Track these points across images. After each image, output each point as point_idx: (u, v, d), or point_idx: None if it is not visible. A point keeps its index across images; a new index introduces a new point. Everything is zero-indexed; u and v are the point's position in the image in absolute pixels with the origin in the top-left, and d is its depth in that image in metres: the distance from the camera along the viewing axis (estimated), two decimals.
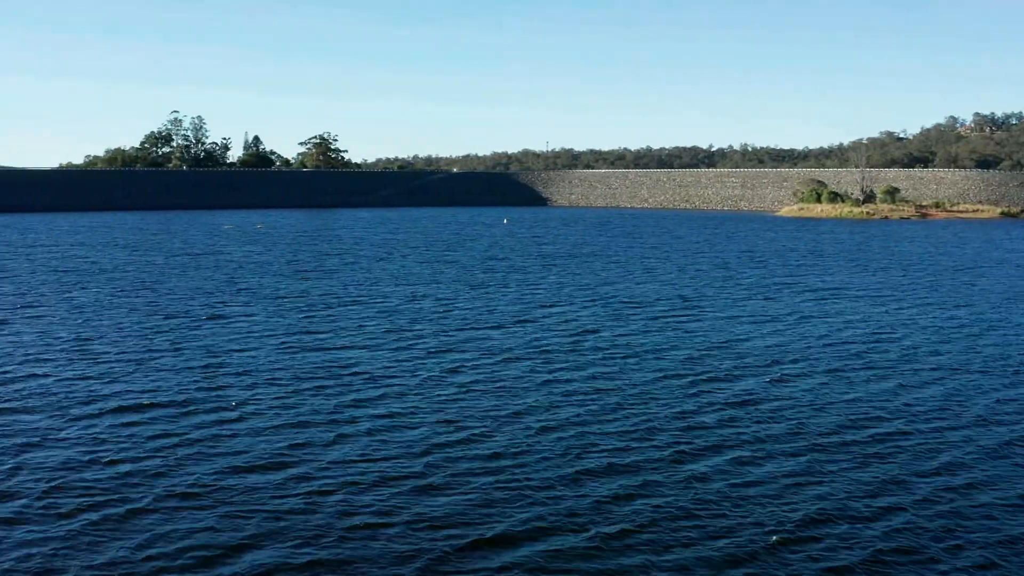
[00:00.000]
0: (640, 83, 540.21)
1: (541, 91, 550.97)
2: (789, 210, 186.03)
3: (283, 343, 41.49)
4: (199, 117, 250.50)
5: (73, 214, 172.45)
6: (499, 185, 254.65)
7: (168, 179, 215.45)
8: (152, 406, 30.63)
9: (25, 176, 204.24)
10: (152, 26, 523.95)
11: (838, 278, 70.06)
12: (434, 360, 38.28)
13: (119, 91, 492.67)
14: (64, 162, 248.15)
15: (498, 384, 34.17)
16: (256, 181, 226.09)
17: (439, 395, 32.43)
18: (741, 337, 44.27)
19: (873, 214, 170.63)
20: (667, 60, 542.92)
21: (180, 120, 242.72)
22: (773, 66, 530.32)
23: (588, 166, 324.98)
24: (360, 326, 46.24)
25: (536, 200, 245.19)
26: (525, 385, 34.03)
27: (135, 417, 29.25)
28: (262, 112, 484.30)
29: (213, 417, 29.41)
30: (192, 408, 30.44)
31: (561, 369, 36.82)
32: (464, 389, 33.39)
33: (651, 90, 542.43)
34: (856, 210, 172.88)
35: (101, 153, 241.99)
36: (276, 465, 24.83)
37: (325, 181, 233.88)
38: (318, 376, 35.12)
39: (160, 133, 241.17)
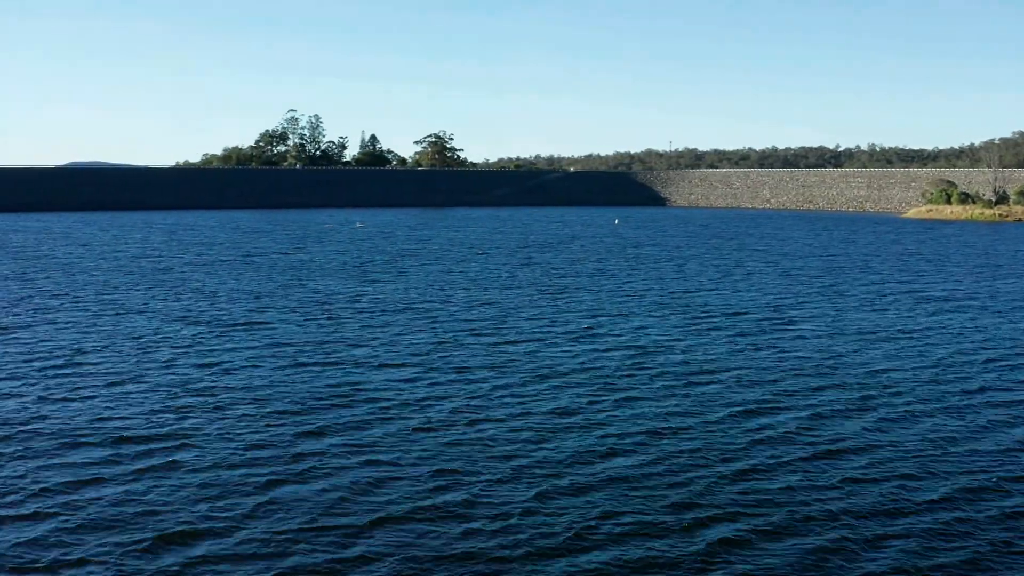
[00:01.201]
0: (767, 82, 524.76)
1: (666, 90, 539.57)
2: (917, 211, 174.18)
3: (296, 358, 35.65)
4: (316, 116, 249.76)
5: (187, 212, 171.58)
6: (617, 185, 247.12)
7: (282, 177, 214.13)
8: (81, 442, 24.87)
9: (142, 174, 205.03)
10: (272, 23, 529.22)
11: (963, 286, 61.22)
12: (463, 385, 31.90)
13: (240, 90, 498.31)
14: (181, 160, 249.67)
15: (530, 420, 27.56)
16: (370, 180, 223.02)
17: (441, 440, 25.75)
18: (839, 359, 36.76)
19: (1006, 216, 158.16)
20: (794, 59, 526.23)
21: (297, 119, 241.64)
22: (903, 65, 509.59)
23: (712, 166, 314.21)
24: (396, 338, 40.20)
25: (654, 200, 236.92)
26: (565, 423, 27.31)
27: (72, 457, 23.52)
28: (380, 111, 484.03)
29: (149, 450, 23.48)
30: (131, 436, 24.72)
31: (615, 399, 30.02)
32: (481, 432, 26.81)
33: (778, 89, 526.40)
34: (988, 212, 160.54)
35: (219, 152, 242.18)
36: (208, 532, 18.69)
37: (439, 180, 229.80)
38: (295, 406, 28.93)
39: (275, 132, 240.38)
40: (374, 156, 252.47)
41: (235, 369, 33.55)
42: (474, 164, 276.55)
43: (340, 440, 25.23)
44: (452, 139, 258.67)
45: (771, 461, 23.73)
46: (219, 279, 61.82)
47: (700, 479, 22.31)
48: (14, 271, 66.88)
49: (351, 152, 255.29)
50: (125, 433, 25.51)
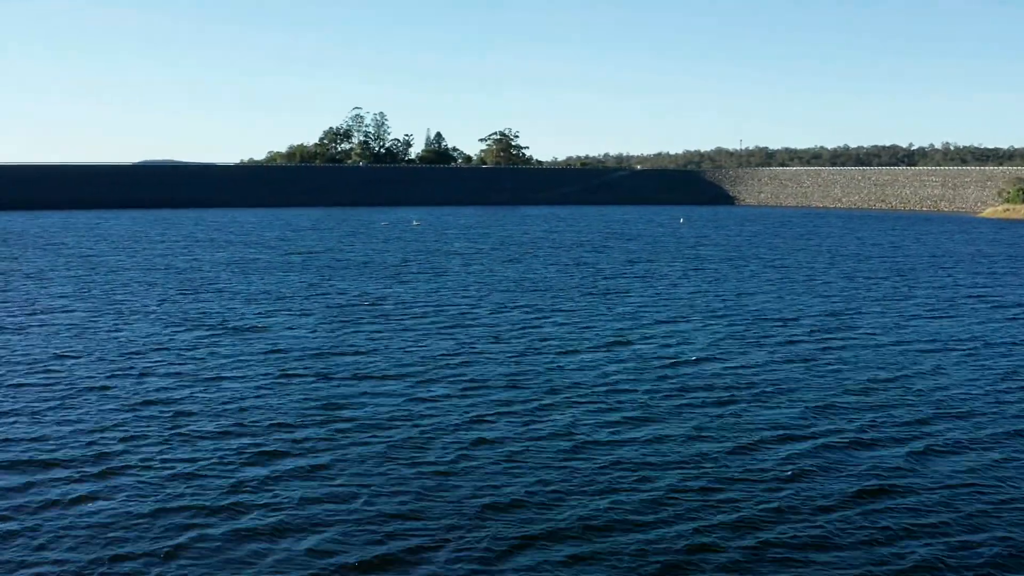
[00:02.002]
0: (839, 81, 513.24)
1: (737, 89, 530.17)
2: (993, 211, 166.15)
3: (286, 368, 31.97)
4: (381, 113, 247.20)
5: (248, 209, 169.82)
6: (684, 183, 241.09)
7: (345, 175, 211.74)
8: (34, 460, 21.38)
9: (208, 171, 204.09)
10: (340, 21, 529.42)
11: None
12: (461, 400, 28.02)
13: (309, 88, 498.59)
14: (246, 158, 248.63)
15: (528, 453, 23.50)
16: (433, 178, 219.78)
17: (412, 472, 21.80)
18: (899, 372, 32.26)
19: None
20: (866, 57, 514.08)
21: (362, 117, 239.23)
22: (977, 63, 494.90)
23: (782, 165, 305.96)
24: (408, 345, 36.41)
25: (723, 199, 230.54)
26: (580, 457, 23.27)
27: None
28: (447, 108, 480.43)
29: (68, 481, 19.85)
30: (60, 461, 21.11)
31: (634, 422, 25.93)
32: (466, 462, 22.88)
33: (850, 87, 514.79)
34: None
35: (284, 150, 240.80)
36: None
37: (503, 178, 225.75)
38: (255, 426, 25.08)
39: (339, 130, 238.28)
40: (438, 154, 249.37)
41: (212, 380, 29.97)
42: (540, 162, 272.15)
43: (293, 466, 21.55)
44: (517, 137, 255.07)
45: (822, 500, 19.50)
46: (246, 279, 58.54)
47: (734, 526, 18.11)
48: (32, 268, 64.35)
49: (416, 150, 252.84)
50: (42, 456, 22.02)
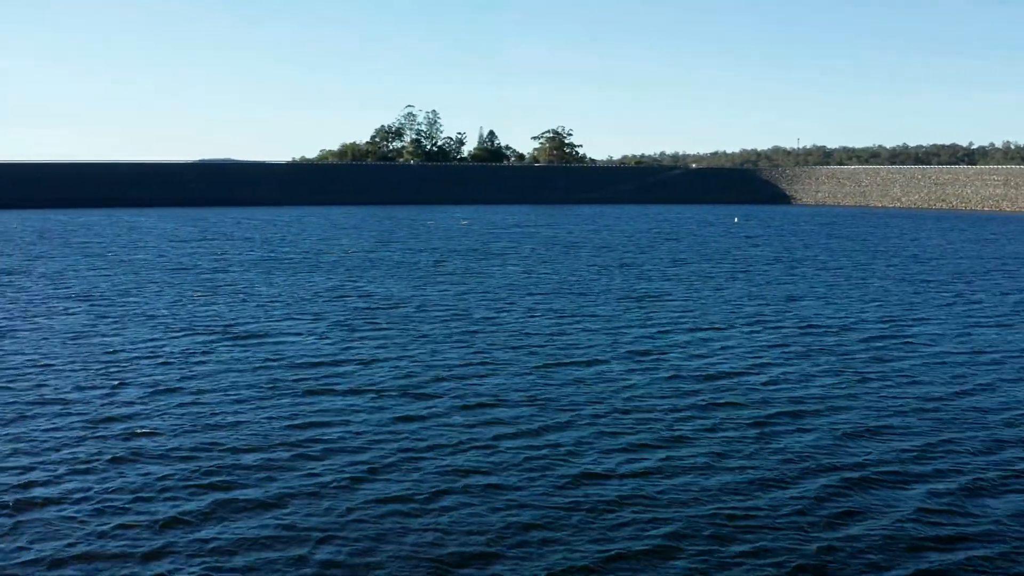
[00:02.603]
0: (898, 79, 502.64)
1: (795, 87, 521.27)
2: None
3: (277, 380, 28.72)
4: (433, 111, 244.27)
5: (298, 207, 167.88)
6: (741, 182, 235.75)
7: (395, 174, 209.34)
8: None
9: (258, 170, 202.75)
10: (392, 18, 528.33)
11: None
12: (454, 423, 24.61)
13: (361, 86, 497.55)
14: (298, 156, 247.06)
15: (528, 491, 20.12)
16: (485, 176, 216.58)
17: (372, 516, 18.45)
18: (962, 388, 28.34)
19: None
20: (924, 56, 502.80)
21: (414, 115, 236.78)
22: None
23: (840, 164, 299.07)
24: (418, 355, 33.06)
25: (779, 198, 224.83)
26: (585, 490, 19.89)
27: None
28: (501, 106, 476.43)
29: None
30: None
31: (659, 452, 22.34)
32: (456, 496, 19.56)
33: (909, 86, 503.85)
34: None
35: (336, 148, 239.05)
36: None
37: (556, 176, 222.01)
38: (233, 448, 21.90)
39: (391, 128, 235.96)
40: (491, 152, 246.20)
41: (190, 394, 26.84)
42: (593, 160, 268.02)
43: (242, 498, 18.30)
44: (571, 135, 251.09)
45: (871, 553, 15.81)
46: (270, 280, 55.60)
47: None
48: (52, 266, 62.00)
49: (469, 148, 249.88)
50: None
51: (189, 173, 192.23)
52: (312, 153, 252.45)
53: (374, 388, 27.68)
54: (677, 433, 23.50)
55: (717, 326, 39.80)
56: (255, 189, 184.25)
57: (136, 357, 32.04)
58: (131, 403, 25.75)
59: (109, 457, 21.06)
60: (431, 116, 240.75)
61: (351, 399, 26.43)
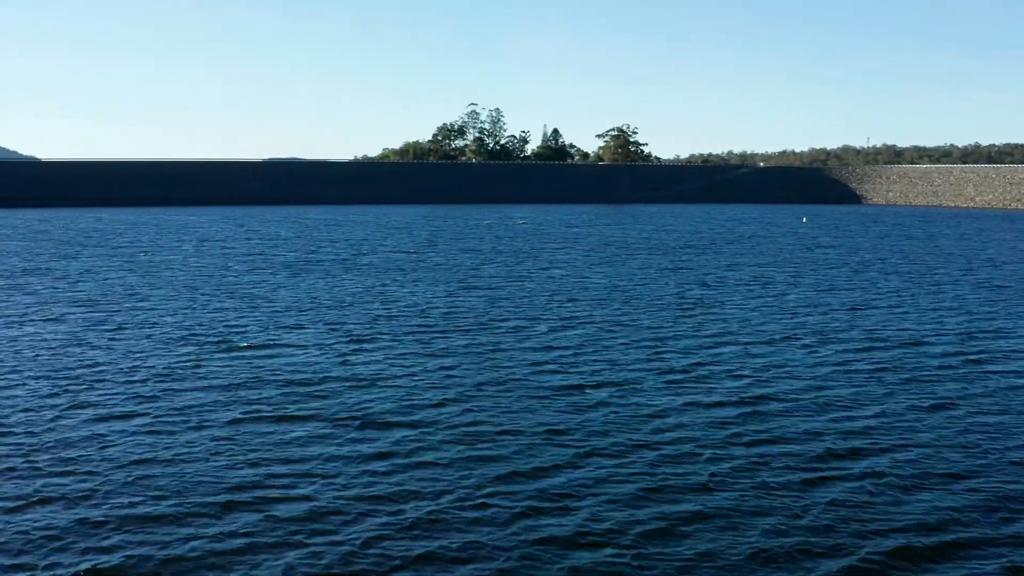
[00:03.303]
0: (969, 76, 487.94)
1: (865, 86, 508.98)
2: None
3: (260, 401, 24.81)
4: (497, 110, 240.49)
5: (358, 206, 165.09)
6: (809, 181, 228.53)
7: (458, 173, 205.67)
8: None
9: (319, 169, 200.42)
10: (456, 14, 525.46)
11: None
12: (472, 454, 20.54)
13: (425, 84, 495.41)
14: (360, 155, 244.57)
15: (532, 540, 16.02)
16: (547, 175, 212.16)
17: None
18: None
19: None
20: (996, 53, 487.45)
21: (477, 113, 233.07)
22: None
23: (911, 163, 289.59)
24: (427, 374, 28.91)
25: (849, 198, 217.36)
26: (594, 554, 15.57)
27: None
28: (566, 104, 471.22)
29: None
30: None
31: (699, 492, 18.17)
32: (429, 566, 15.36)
33: (980, 83, 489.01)
34: None
35: (398, 147, 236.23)
36: None
37: (619, 175, 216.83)
38: (176, 490, 18.02)
39: (453, 126, 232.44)
40: (555, 151, 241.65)
41: (154, 421, 22.91)
42: (659, 159, 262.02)
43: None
44: (636, 133, 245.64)
45: None
46: (295, 283, 51.94)
47: None
48: (73, 268, 59.00)
49: (532, 147, 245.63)
50: None
51: (253, 172, 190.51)
52: (375, 152, 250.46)
53: (358, 415, 23.55)
54: (709, 477, 19.17)
55: (773, 339, 35.16)
56: (317, 188, 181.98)
57: (110, 373, 28.34)
58: (82, 429, 22.00)
59: (34, 499, 17.33)
60: (494, 114, 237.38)
61: (328, 429, 22.37)
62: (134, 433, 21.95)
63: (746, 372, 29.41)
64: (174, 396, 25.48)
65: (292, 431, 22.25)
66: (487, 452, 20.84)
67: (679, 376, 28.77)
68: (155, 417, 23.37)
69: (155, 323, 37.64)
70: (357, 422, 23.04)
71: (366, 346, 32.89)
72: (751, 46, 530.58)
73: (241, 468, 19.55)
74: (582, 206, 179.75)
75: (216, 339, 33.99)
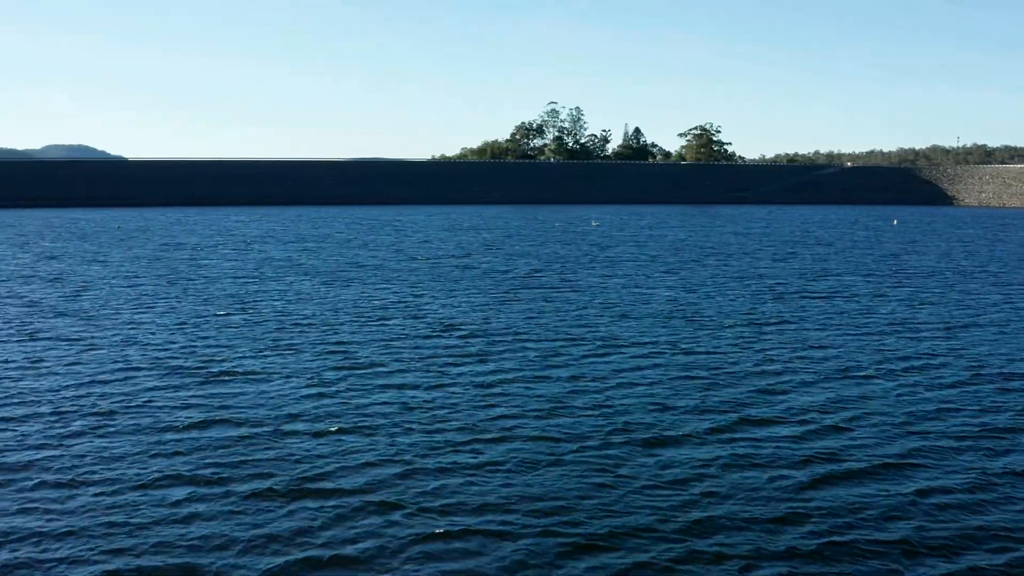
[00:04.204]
0: None
1: (955, 84, 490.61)
2: None
3: (224, 449, 19.37)
4: (577, 108, 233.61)
5: (435, 207, 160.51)
6: (898, 182, 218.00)
7: (535, 172, 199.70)
8: None
9: (397, 168, 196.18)
10: (537, 11, 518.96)
11: None
12: (445, 550, 14.66)
13: (511, 83, 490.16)
14: (438, 154, 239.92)
15: None
16: (626, 175, 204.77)
17: None
18: None
19: None
20: None
21: (557, 111, 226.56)
22: None
23: (1002, 163, 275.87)
24: (436, 418, 23.17)
25: (940, 199, 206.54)
26: None
27: None
28: (648, 103, 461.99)
29: None
30: None
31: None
32: None
33: None
34: None
35: (476, 146, 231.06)
36: None
37: (700, 175, 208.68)
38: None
39: (531, 125, 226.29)
40: (636, 150, 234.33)
41: (84, 472, 17.60)
42: (743, 158, 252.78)
43: None
44: (719, 132, 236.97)
45: None
46: (322, 292, 46.75)
47: None
48: (84, 275, 54.59)
49: (613, 146, 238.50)
50: None
51: (328, 172, 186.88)
52: (454, 151, 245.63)
53: (295, 483, 18.04)
54: (762, 564, 13.25)
55: (848, 371, 28.76)
56: (392, 188, 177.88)
57: (53, 405, 23.26)
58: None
59: None
60: (574, 113, 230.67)
61: (247, 504, 16.87)
62: (64, 478, 16.68)
63: (818, 419, 23.13)
64: (129, 430, 20.20)
65: (200, 505, 16.76)
66: (458, 548, 15.13)
67: (736, 420, 22.68)
68: (95, 463, 18.07)
69: (135, 342, 32.51)
70: (293, 490, 17.51)
71: (360, 379, 27.21)
72: (837, 44, 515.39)
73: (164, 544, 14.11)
74: (661, 207, 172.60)
75: (191, 365, 28.70)
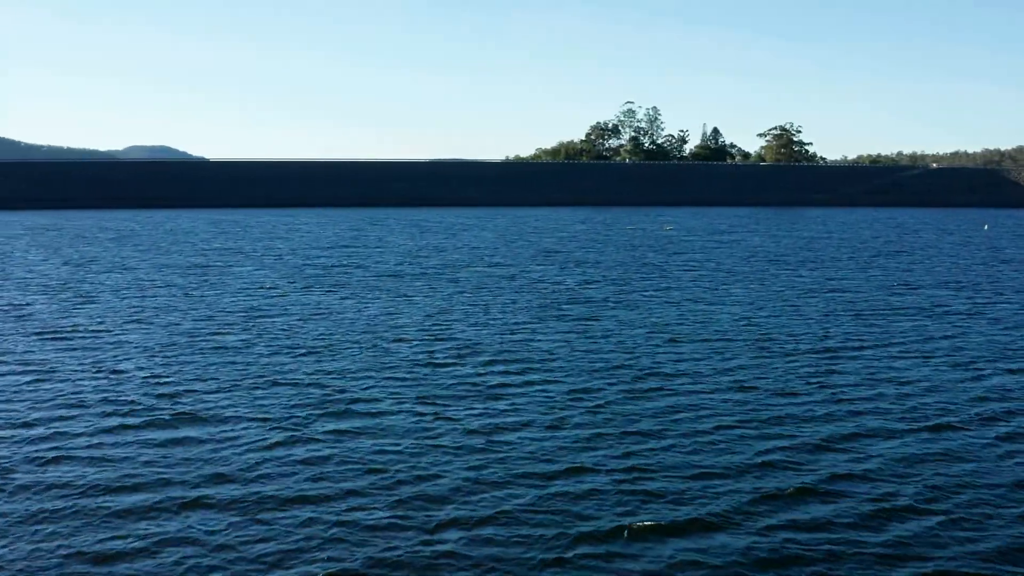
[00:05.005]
0: None
1: None
2: None
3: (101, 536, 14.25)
4: (654, 108, 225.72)
5: (504, 209, 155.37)
6: (984, 183, 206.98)
7: (610, 173, 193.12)
8: None
9: (470, 169, 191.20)
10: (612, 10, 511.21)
11: None
12: None
13: (586, 82, 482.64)
14: (512, 155, 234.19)
15: None
16: (702, 176, 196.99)
17: None
18: None
19: None
20: None
21: (633, 111, 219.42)
22: None
23: None
24: (424, 464, 17.88)
25: None
26: None
27: None
28: (725, 103, 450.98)
29: None
30: None
31: None
32: None
33: None
34: None
35: (550, 146, 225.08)
36: None
37: (778, 177, 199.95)
38: None
39: (606, 125, 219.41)
40: (714, 151, 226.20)
41: None
42: (824, 159, 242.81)
43: None
44: (800, 132, 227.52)
45: None
46: (339, 306, 41.78)
47: None
48: (86, 284, 50.36)
49: (691, 146, 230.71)
50: None
51: (396, 173, 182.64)
52: (528, 152, 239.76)
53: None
54: None
55: (945, 417, 22.86)
56: (462, 189, 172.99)
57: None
58: None
59: None
60: (651, 113, 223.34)
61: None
62: None
63: (893, 483, 17.39)
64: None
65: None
66: None
67: (790, 490, 17.06)
68: None
69: (98, 372, 27.87)
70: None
71: (328, 419, 22.13)
72: (918, 44, 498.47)
73: None
74: (739, 209, 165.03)
75: (150, 405, 23.90)
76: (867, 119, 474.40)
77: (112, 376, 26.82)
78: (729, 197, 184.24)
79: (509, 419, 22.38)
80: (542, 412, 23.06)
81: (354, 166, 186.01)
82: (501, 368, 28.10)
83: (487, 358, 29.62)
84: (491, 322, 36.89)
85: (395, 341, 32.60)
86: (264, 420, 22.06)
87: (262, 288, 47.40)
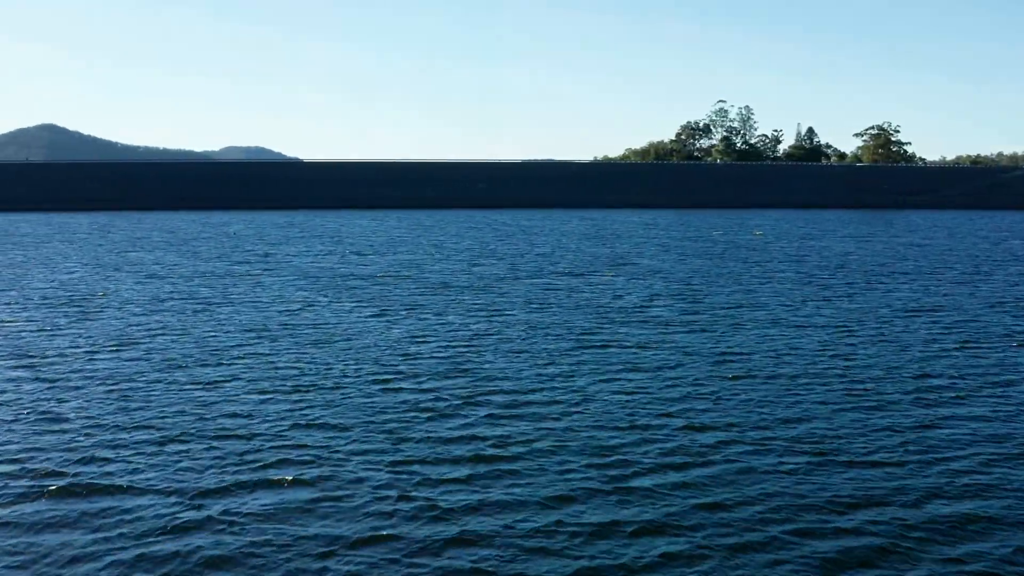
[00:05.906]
0: None
1: None
2: None
3: None
4: (747, 107, 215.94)
5: (589, 211, 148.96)
6: None
7: (699, 174, 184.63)
8: None
9: (552, 170, 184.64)
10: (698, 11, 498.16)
11: None
12: None
13: (681, 81, 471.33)
14: (600, 156, 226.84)
15: None
16: (795, 177, 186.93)
17: None
18: None
19: None
20: None
21: (726, 111, 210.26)
22: None
23: None
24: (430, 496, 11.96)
25: None
26: None
27: None
28: (820, 102, 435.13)
29: None
30: None
31: None
32: None
33: None
34: None
35: (640, 147, 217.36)
36: None
37: (872, 178, 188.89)
38: None
39: (697, 124, 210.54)
40: (808, 151, 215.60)
41: None
42: (923, 160, 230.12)
43: None
44: (898, 131, 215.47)
45: None
46: (350, 326, 36.15)
47: None
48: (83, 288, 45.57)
49: (785, 146, 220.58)
50: None
51: (478, 174, 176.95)
52: (617, 152, 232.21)
53: None
54: None
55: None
56: (545, 190, 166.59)
57: None
58: None
59: None
60: (744, 112, 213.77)
61: None
62: None
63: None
64: None
65: None
66: None
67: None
68: None
69: (38, 415, 22.68)
70: None
71: (363, 453, 16.45)
72: (1017, 41, 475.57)
73: None
74: (834, 211, 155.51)
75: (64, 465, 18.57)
76: (965, 119, 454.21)
77: (41, 418, 21.63)
78: (824, 199, 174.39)
79: (501, 497, 16.42)
80: (538, 498, 17.06)
81: (437, 167, 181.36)
82: (505, 426, 22.01)
83: (496, 407, 23.44)
84: (522, 352, 30.55)
85: (397, 379, 26.83)
86: (159, 487, 16.51)
87: (282, 302, 42.24)
